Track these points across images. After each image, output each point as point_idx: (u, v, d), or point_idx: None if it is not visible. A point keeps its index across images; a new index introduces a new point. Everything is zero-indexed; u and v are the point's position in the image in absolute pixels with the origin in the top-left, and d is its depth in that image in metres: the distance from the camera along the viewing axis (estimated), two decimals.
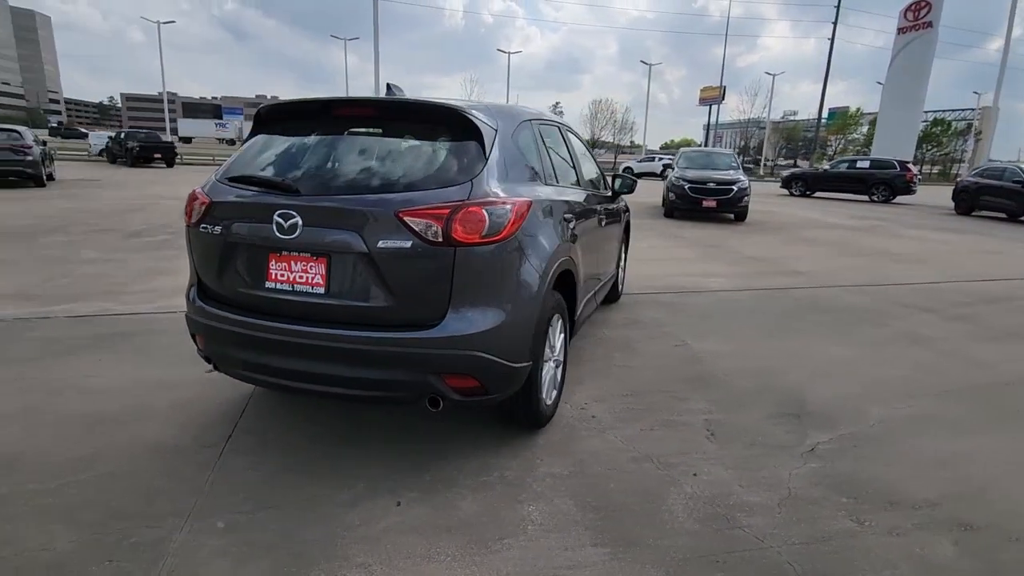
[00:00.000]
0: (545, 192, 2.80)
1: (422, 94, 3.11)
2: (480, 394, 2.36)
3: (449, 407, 2.34)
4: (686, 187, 12.16)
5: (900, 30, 33.50)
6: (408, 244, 2.16)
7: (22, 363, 3.53)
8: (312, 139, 2.55)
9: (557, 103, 64.44)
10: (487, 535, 2.11)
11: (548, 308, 2.63)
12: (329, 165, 2.44)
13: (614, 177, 4.57)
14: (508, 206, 2.32)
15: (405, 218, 2.15)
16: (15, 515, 2.14)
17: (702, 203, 12.02)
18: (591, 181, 4.31)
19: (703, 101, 59.74)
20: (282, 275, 2.32)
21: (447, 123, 2.46)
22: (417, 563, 1.95)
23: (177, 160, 27.42)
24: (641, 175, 28.37)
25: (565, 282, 3.04)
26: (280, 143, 2.59)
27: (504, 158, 2.52)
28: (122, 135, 25.75)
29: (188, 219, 2.54)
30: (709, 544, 2.09)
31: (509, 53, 38.72)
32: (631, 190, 4.61)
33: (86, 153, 29.93)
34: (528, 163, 2.79)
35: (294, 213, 2.24)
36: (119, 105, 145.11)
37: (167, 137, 32.15)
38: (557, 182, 3.23)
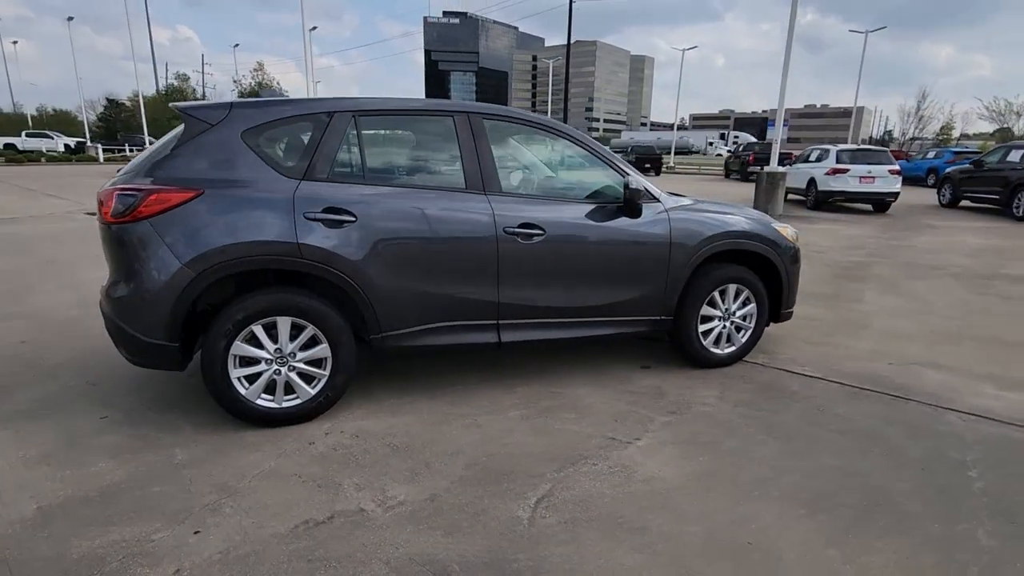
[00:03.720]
0: (279, 187, 2.66)
1: None
2: (130, 357, 2.70)
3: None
4: None
5: None
6: (98, 218, 2.74)
7: None
8: None
9: None
10: (63, 460, 2.54)
11: (243, 307, 2.63)
12: None
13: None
14: (137, 194, 2.51)
15: (99, 197, 2.73)
16: (53, 338, 3.98)
17: None
18: (538, 187, 3.31)
19: None
20: None
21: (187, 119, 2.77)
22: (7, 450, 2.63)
23: (665, 169, 31.17)
24: None
25: (316, 288, 2.78)
26: None
27: (208, 150, 2.64)
28: (629, 148, 31.07)
29: None
30: None
31: None
32: (631, 200, 3.14)
33: None
34: (270, 157, 2.70)
35: None
36: (687, 124, 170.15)
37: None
38: (365, 179, 2.88)
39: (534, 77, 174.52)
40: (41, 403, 3.08)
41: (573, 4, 38.46)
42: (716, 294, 3.56)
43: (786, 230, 3.78)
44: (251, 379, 2.75)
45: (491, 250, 2.98)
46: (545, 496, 2.31)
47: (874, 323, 4.77)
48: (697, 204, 3.61)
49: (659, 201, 3.37)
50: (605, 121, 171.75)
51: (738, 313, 3.66)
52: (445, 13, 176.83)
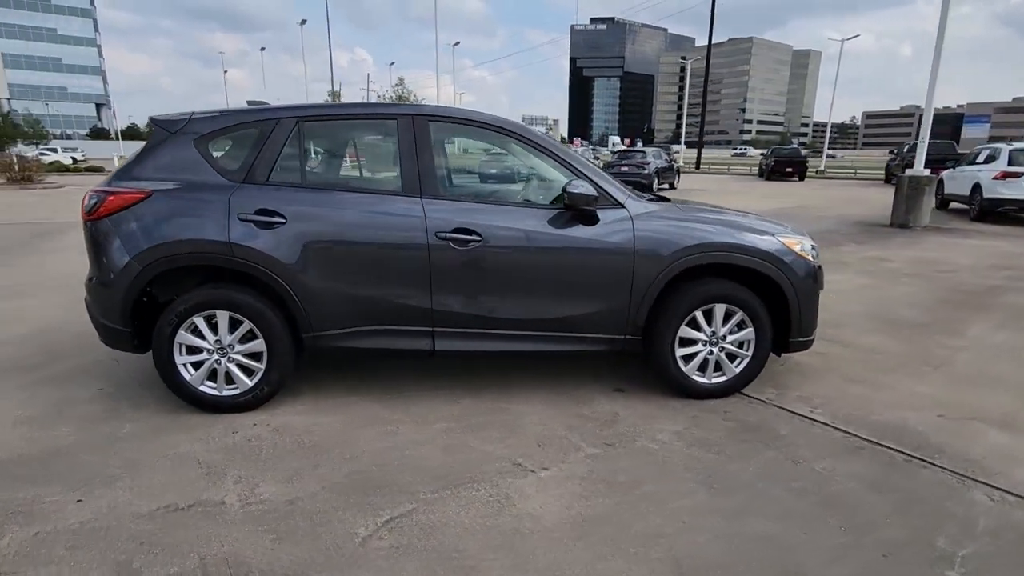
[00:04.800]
0: (209, 189, 2.85)
1: None
2: (100, 338, 3.04)
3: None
4: None
5: None
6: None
7: None
8: None
9: None
10: (43, 422, 2.95)
11: (192, 300, 2.84)
12: None
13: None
14: (102, 195, 2.83)
15: (83, 198, 3.12)
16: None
17: None
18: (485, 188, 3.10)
19: None
20: None
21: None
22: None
23: (815, 173, 28.09)
24: None
25: (254, 286, 2.91)
26: None
27: (165, 156, 2.90)
28: (768, 151, 28.44)
29: None
30: None
31: None
32: (573, 206, 2.82)
33: (750, 168, 34.64)
34: (216, 162, 2.89)
35: None
36: (858, 123, 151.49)
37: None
38: (304, 183, 2.96)
39: (681, 79, 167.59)
40: (67, 372, 3.61)
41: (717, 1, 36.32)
42: (699, 314, 3.10)
43: (798, 244, 3.17)
44: (197, 367, 2.97)
45: (422, 255, 2.89)
46: (399, 516, 2.18)
47: (958, 362, 3.82)
48: (678, 210, 3.18)
49: (622, 206, 3.02)
50: (759, 123, 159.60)
51: (729, 338, 3.15)
52: (592, 20, 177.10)
